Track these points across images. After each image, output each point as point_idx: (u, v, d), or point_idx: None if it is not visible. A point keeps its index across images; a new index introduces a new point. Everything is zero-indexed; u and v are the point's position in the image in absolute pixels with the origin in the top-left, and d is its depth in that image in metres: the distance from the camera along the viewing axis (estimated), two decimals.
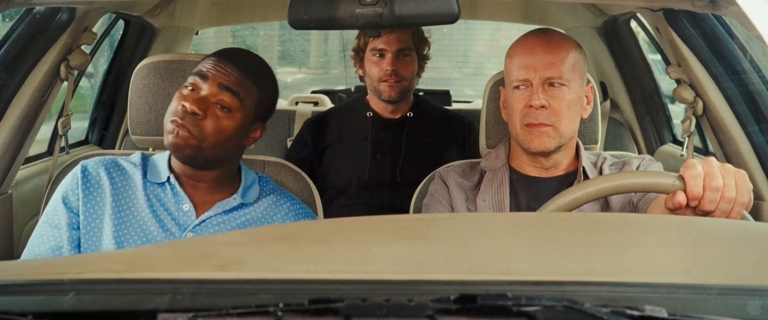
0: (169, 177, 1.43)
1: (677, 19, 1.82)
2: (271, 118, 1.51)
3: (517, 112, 1.42)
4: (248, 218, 1.45)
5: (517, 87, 1.43)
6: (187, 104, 1.33)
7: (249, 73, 1.39)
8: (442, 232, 0.88)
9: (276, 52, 6.06)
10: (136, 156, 1.49)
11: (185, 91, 1.36)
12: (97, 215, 1.38)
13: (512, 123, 1.45)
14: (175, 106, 1.35)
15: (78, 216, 1.38)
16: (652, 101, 2.75)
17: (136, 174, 1.44)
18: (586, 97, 1.48)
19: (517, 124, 1.43)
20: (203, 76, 1.36)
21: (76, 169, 1.43)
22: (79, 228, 1.38)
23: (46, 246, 1.37)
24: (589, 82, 1.51)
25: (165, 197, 1.42)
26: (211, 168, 1.42)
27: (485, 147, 1.64)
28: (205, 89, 1.35)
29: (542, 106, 1.38)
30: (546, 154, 1.44)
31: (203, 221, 1.41)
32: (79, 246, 1.37)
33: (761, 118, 1.75)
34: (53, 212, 1.39)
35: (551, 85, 1.40)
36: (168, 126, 1.34)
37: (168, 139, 1.34)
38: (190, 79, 1.38)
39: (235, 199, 1.44)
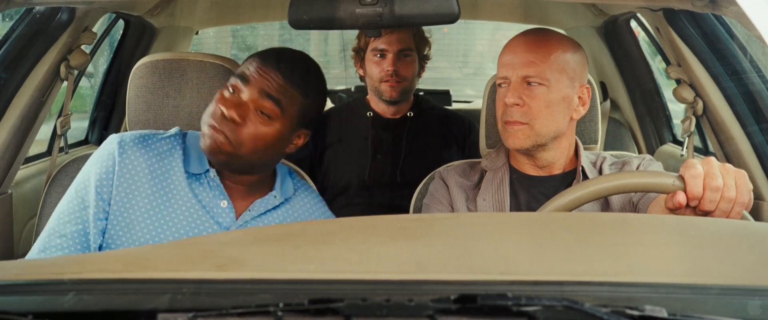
0: (208, 170, 1.35)
1: (677, 19, 1.82)
2: None
3: (498, 110, 1.46)
4: (286, 218, 1.39)
5: (499, 85, 1.46)
6: (225, 109, 1.25)
7: (294, 79, 1.30)
8: (442, 232, 0.88)
9: None
10: (175, 132, 1.40)
11: (226, 93, 1.28)
12: (130, 204, 1.29)
13: (497, 120, 1.48)
14: (213, 108, 1.28)
15: (109, 205, 1.29)
16: (652, 101, 2.75)
17: (176, 161, 1.34)
18: (581, 98, 1.46)
19: (499, 120, 1.46)
20: (245, 79, 1.28)
21: (113, 147, 1.32)
22: (106, 218, 1.29)
23: (71, 228, 1.28)
24: (588, 82, 1.50)
25: (202, 190, 1.33)
26: (246, 173, 1.35)
27: (485, 147, 1.64)
28: (246, 94, 1.27)
29: (516, 104, 1.40)
30: (526, 152, 1.46)
31: (245, 221, 1.34)
32: (104, 234, 1.29)
33: (761, 118, 1.75)
34: (85, 191, 1.30)
35: (529, 83, 1.40)
36: (204, 128, 1.28)
37: (204, 142, 1.28)
38: (232, 81, 1.29)
39: (275, 197, 1.38)
